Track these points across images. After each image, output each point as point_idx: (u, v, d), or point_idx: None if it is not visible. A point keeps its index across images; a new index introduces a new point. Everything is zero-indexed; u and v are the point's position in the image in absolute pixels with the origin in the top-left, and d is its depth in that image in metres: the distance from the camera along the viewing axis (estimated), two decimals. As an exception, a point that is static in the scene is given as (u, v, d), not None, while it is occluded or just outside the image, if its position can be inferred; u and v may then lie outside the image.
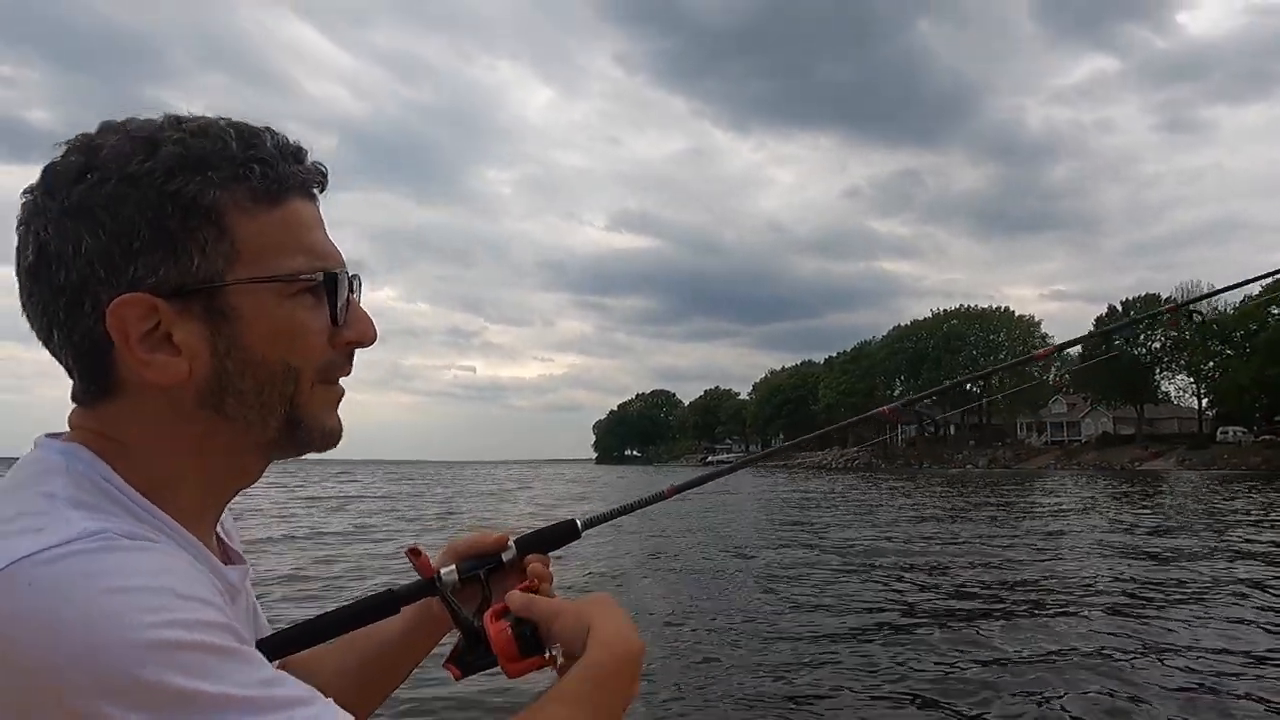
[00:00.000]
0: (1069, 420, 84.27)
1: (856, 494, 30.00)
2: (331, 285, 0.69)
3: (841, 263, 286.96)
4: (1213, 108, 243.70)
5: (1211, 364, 69.06)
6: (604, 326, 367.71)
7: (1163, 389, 76.66)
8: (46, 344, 0.67)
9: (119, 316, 0.62)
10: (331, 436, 0.73)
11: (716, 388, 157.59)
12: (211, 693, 0.53)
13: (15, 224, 0.65)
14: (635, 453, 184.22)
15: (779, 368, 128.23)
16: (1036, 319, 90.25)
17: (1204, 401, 71.68)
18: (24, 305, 0.66)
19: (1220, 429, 69.55)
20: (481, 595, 0.88)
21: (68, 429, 0.69)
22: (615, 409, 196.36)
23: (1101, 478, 44.03)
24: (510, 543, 0.91)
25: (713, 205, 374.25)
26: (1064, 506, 22.15)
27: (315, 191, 0.71)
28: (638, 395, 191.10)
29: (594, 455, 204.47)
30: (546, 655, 0.78)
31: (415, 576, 0.87)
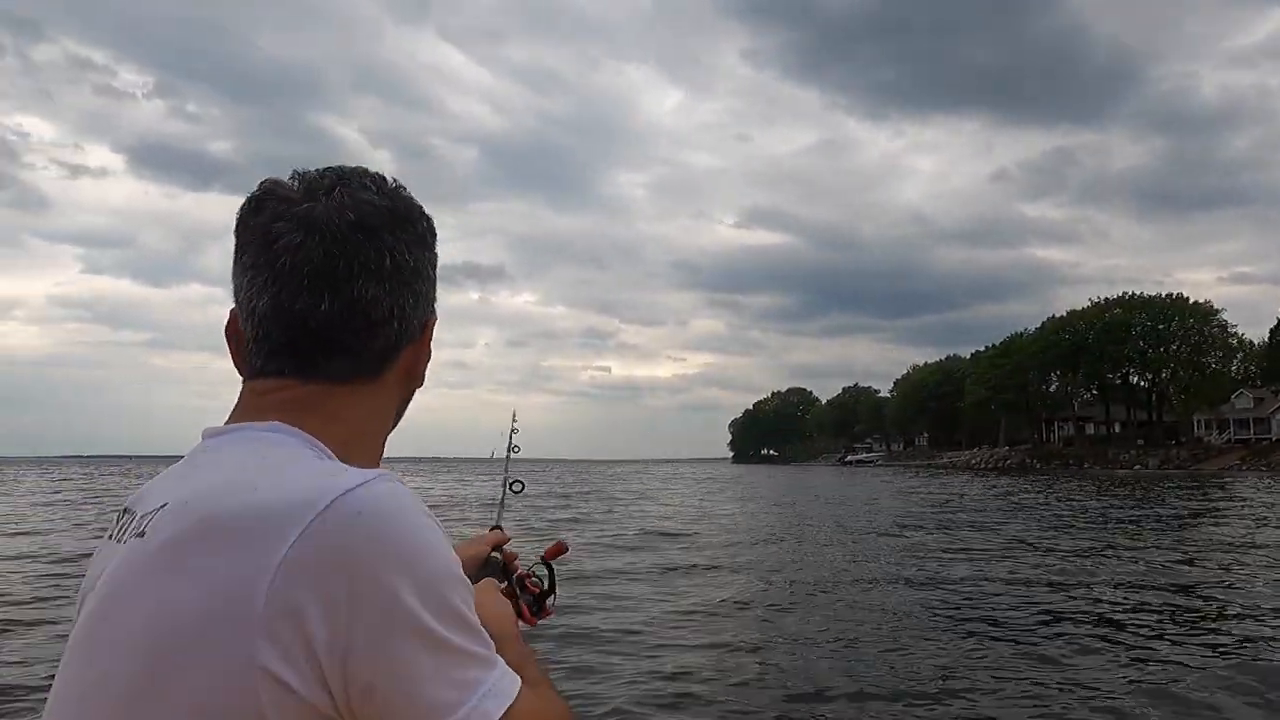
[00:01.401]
0: (1256, 416, 75.65)
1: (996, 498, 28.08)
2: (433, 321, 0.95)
3: (989, 251, 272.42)
4: None
5: None
6: (736, 325, 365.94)
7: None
8: (364, 329, 0.80)
9: (430, 325, 0.87)
10: None
11: (855, 385, 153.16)
12: (475, 628, 0.69)
13: (358, 219, 0.79)
14: (771, 452, 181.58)
15: (922, 363, 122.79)
16: (1216, 305, 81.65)
17: None
18: (371, 291, 0.79)
19: None
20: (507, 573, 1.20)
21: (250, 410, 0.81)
22: (750, 407, 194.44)
23: (1297, 481, 39.14)
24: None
25: (849, 198, 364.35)
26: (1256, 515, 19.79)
27: None
28: (773, 394, 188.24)
29: (730, 454, 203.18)
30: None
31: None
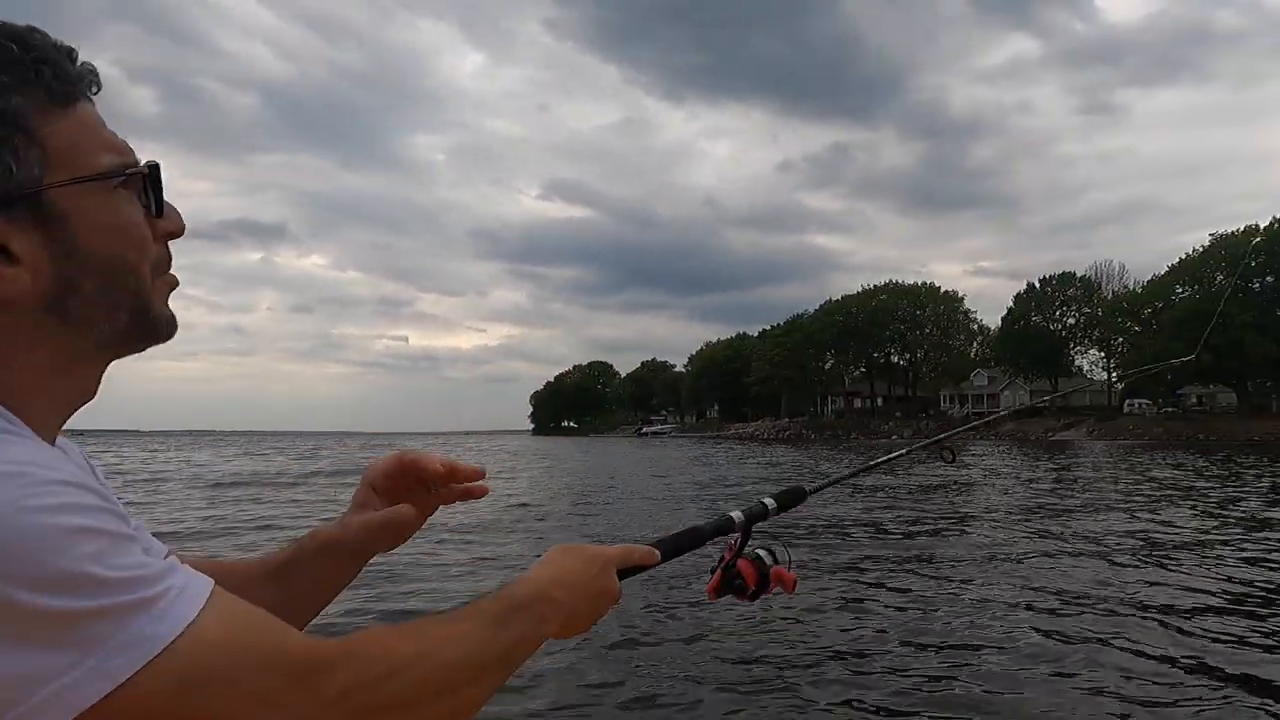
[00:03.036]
0: (990, 392, 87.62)
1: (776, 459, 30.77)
2: (155, 178, 0.71)
3: (774, 236, 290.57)
4: (1127, 91, 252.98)
5: (1121, 339, 72.61)
6: (539, 297, 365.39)
7: (1076, 363, 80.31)
8: None
9: None
10: (172, 324, 0.74)
11: (653, 360, 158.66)
12: (108, 576, 0.56)
13: None
14: (572, 424, 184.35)
15: (715, 340, 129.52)
16: (961, 294, 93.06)
17: (1113, 375, 75.51)
18: None
19: (1127, 401, 73.31)
20: (741, 539, 1.12)
21: None
22: (552, 380, 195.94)
23: (1017, 447, 45.98)
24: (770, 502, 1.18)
25: (647, 177, 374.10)
26: (972, 469, 23.16)
27: (92, 94, 0.70)
28: (575, 367, 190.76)
29: (531, 426, 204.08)
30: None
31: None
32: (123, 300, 0.69)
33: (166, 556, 0.68)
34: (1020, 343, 76.53)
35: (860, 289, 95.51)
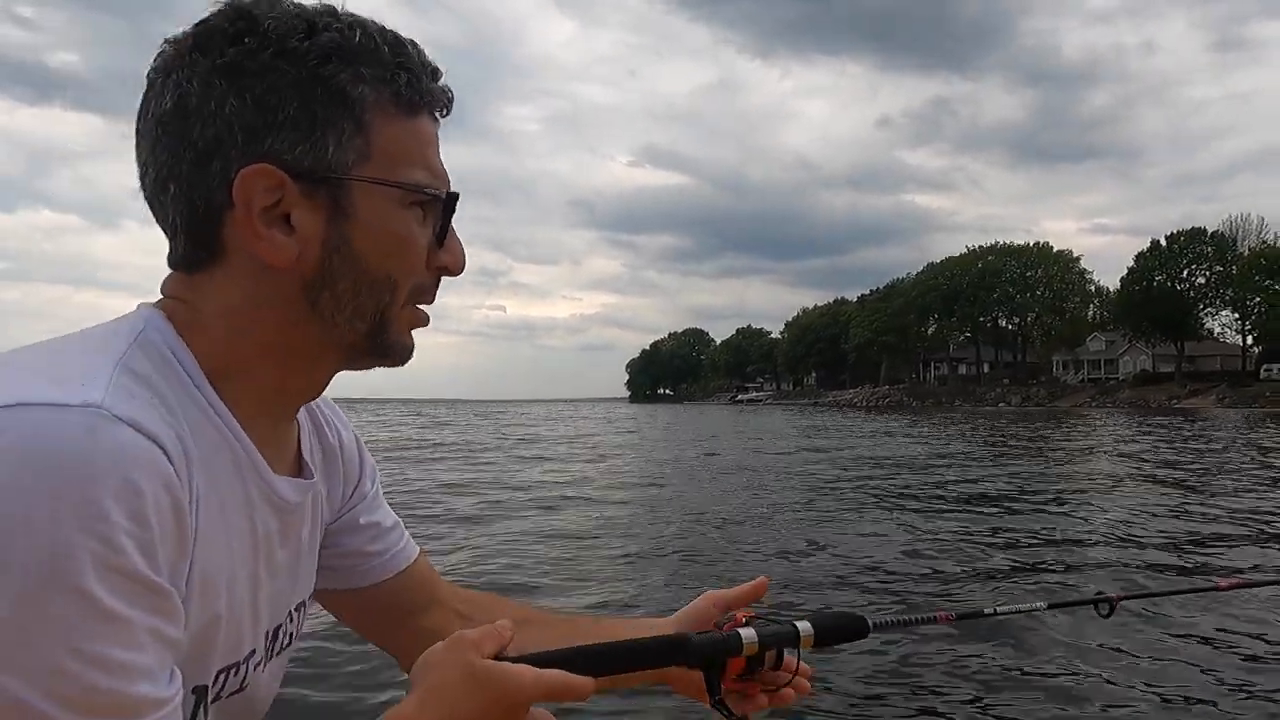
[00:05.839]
0: (1106, 358, 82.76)
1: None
2: (451, 205, 0.71)
3: (872, 197, 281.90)
4: (1266, 24, 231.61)
5: (1259, 299, 67.08)
6: (634, 265, 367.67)
7: (1206, 325, 74.81)
8: (156, 198, 0.66)
9: (247, 184, 0.62)
10: (407, 351, 0.73)
11: (749, 326, 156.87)
12: (66, 646, 0.49)
13: (147, 72, 0.65)
14: (668, 391, 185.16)
15: (811, 306, 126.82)
16: (1076, 254, 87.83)
17: (1249, 338, 69.88)
18: (144, 155, 0.65)
19: (1265, 366, 67.91)
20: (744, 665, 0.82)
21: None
22: (648, 348, 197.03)
23: (1135, 415, 43.35)
24: (804, 626, 0.84)
25: (740, 140, 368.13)
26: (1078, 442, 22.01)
27: (439, 115, 0.72)
28: (670, 334, 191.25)
29: (627, 394, 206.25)
30: None
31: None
32: (367, 311, 0.68)
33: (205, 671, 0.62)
34: (1142, 304, 71.76)
35: (965, 250, 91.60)
